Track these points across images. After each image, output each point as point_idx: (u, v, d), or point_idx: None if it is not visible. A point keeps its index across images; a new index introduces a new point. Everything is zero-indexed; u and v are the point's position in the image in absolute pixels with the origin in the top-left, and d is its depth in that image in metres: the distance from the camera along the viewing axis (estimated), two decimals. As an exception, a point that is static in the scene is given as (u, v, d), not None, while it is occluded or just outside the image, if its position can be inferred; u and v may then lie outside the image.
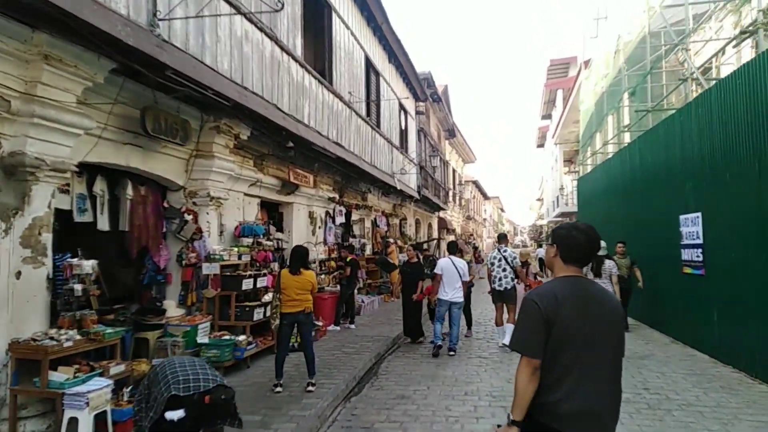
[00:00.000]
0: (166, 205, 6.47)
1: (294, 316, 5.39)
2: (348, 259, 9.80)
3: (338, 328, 9.16)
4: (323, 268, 10.40)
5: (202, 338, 5.92)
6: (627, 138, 11.72)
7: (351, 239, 12.34)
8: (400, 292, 9.15)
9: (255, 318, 6.53)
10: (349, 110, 10.94)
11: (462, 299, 7.74)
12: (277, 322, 6.22)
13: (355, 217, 13.36)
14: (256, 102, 6.58)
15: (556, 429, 1.86)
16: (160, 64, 4.60)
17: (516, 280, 7.90)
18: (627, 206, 10.86)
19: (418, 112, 19.56)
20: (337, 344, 7.86)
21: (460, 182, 37.34)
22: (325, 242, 11.17)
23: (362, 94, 11.92)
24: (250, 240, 7.51)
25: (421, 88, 18.42)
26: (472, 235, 44.66)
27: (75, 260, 4.11)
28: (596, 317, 1.93)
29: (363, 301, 11.27)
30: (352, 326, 9.35)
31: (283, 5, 4.72)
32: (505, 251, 8.00)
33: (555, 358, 1.89)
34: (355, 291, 10.78)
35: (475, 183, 46.92)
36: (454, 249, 8.21)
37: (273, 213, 9.86)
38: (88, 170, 5.23)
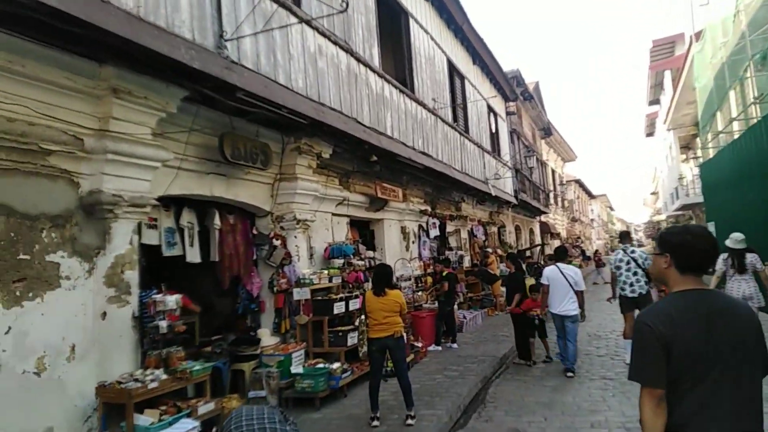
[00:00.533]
0: (254, 231, 6.38)
1: (382, 341, 4.92)
2: (444, 274, 9.18)
3: (439, 348, 8.57)
4: (419, 285, 9.91)
5: (297, 367, 5.66)
6: (757, 112, 9.94)
7: (447, 252, 11.74)
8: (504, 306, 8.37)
9: (349, 343, 6.18)
10: (434, 117, 10.44)
11: (576, 311, 6.83)
12: (365, 348, 5.80)
13: (449, 228, 12.75)
14: (334, 118, 6.32)
15: None
16: (230, 87, 4.44)
17: (650, 285, 6.77)
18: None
19: (508, 113, 18.57)
20: (438, 366, 7.28)
21: (561, 182, 35.12)
22: (420, 257, 10.69)
23: (447, 99, 11.38)
24: (341, 261, 7.24)
25: (510, 87, 17.47)
26: (579, 237, 41.81)
27: (159, 296, 4.00)
28: (725, 336, 1.67)
29: (464, 317, 10.58)
30: (455, 345, 8.71)
31: (347, 5, 4.36)
32: (632, 252, 6.93)
33: (679, 387, 1.67)
34: (455, 307, 10.14)
35: (578, 182, 44.04)
36: (561, 255, 7.31)
37: (364, 231, 9.59)
38: (176, 203, 5.24)
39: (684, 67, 18.14)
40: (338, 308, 6.18)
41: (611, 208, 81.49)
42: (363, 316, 5.78)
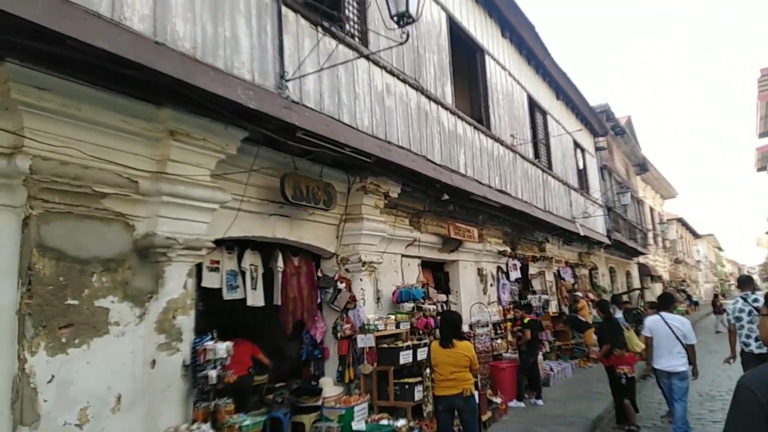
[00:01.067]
0: (319, 274, 6.18)
1: (450, 400, 4.39)
2: (526, 321, 8.43)
3: (522, 404, 7.75)
4: (498, 332, 9.16)
5: (359, 423, 5.23)
6: None
7: (530, 296, 10.88)
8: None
9: (416, 398, 5.65)
10: (513, 154, 9.91)
11: (685, 368, 5.84)
12: (430, 407, 5.25)
13: (533, 270, 11.87)
14: (401, 156, 6.07)
15: None
16: (290, 127, 4.33)
17: None
18: None
19: (598, 149, 17.47)
20: (520, 427, 6.52)
21: (661, 221, 32.34)
22: (499, 301, 9.96)
23: (527, 135, 10.82)
24: (411, 305, 6.83)
25: (599, 122, 16.47)
26: (684, 281, 37.98)
27: (210, 343, 3.82)
28: None
29: (551, 370, 9.61)
30: (539, 402, 7.84)
31: (408, 37, 4.13)
32: (756, 301, 5.89)
33: None
34: (540, 357, 9.24)
35: (680, 220, 40.40)
36: (666, 303, 6.38)
37: (438, 273, 9.13)
38: (239, 245, 5.17)
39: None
40: (405, 357, 5.73)
41: (720, 249, 73.75)
42: (428, 370, 5.27)
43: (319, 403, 5.42)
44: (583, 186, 15.09)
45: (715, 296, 22.65)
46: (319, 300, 6.12)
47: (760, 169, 37.17)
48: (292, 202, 5.00)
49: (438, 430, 4.65)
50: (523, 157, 10.38)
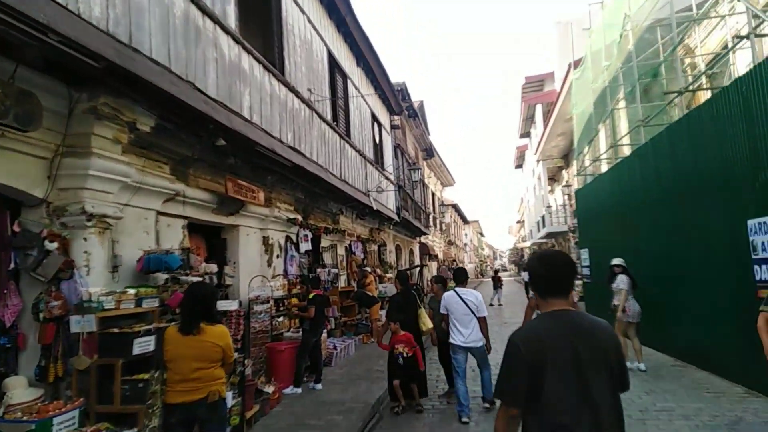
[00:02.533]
0: (16, 228, 4.23)
1: (188, 408, 3.09)
2: (311, 296, 7.52)
3: (299, 390, 6.85)
4: (282, 308, 8.14)
5: (60, 441, 3.61)
6: (641, 137, 9.90)
7: (320, 270, 10.10)
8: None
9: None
10: (310, 111, 8.90)
11: (482, 342, 5.68)
12: (156, 421, 3.91)
13: (325, 243, 11.16)
14: (154, 73, 4.47)
15: None
16: None
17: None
18: (652, 216, 8.93)
19: (393, 127, 17.70)
20: (291, 422, 5.55)
21: (442, 204, 35.52)
22: (285, 274, 8.93)
23: (326, 92, 9.92)
24: (166, 276, 5.29)
25: (396, 99, 16.60)
26: (454, 260, 42.69)
27: None
28: (587, 352, 1.83)
29: (335, 348, 8.98)
30: (318, 386, 7.05)
31: None
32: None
33: (557, 406, 1.79)
34: (324, 336, 8.53)
35: (455, 207, 45.27)
36: (461, 277, 6.13)
37: (214, 240, 7.65)
38: None
39: (559, 98, 18.80)
40: (142, 346, 4.20)
41: (482, 234, 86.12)
42: (155, 370, 3.90)
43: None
44: (379, 161, 15.01)
45: (496, 272, 25.51)
46: (12, 265, 4.19)
47: (517, 167, 43.90)
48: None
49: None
50: (321, 117, 9.46)
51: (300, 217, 9.44)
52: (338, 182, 10.18)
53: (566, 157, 25.64)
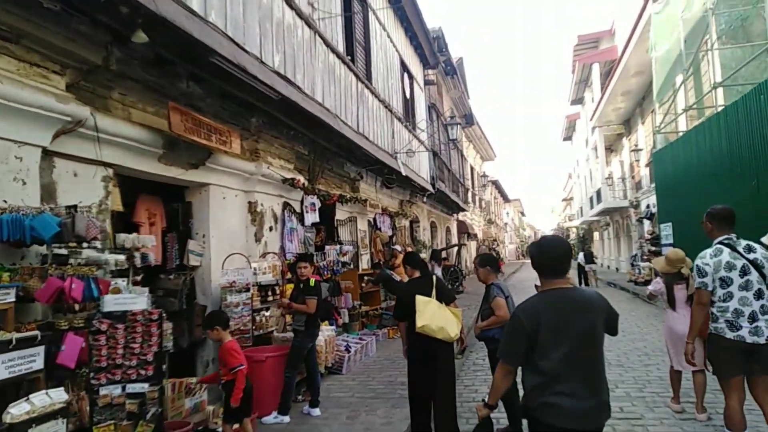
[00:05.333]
0: None
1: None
2: (312, 284, 5.25)
3: (286, 419, 4.69)
4: (272, 299, 5.99)
5: None
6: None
7: (329, 248, 7.89)
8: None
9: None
10: (311, 32, 6.61)
11: None
12: None
13: (341, 215, 8.97)
14: None
15: (556, 425, 2.08)
16: None
17: None
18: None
19: (427, 83, 15.20)
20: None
21: (484, 176, 32.79)
22: (283, 252, 6.79)
23: (336, 11, 7.58)
24: (45, 253, 3.20)
25: (431, 48, 14.06)
26: (495, 240, 39.99)
27: None
28: (577, 319, 2.14)
29: (348, 349, 6.79)
30: (316, 412, 4.87)
31: None
32: (754, 251, 3.35)
33: (547, 363, 2.10)
34: (332, 334, 6.38)
35: (495, 183, 42.33)
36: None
37: (175, 203, 5.57)
38: None
39: (627, 46, 15.79)
40: None
41: (523, 214, 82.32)
42: None
43: None
44: (409, 120, 12.61)
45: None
46: None
47: (565, 138, 40.38)
48: None
49: None
50: (328, 45, 7.16)
51: (302, 179, 7.24)
52: (354, 135, 7.90)
53: (627, 123, 22.45)
